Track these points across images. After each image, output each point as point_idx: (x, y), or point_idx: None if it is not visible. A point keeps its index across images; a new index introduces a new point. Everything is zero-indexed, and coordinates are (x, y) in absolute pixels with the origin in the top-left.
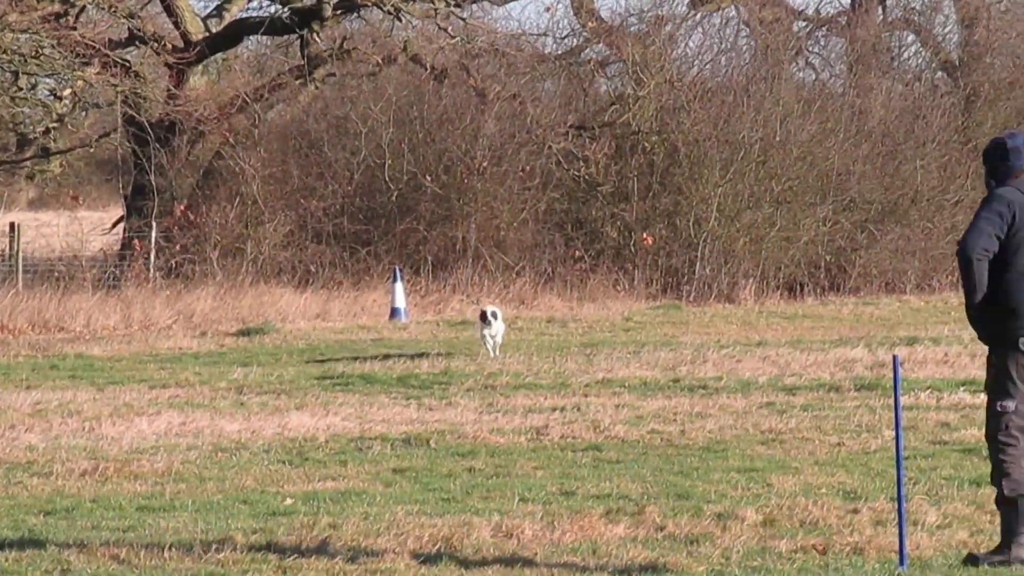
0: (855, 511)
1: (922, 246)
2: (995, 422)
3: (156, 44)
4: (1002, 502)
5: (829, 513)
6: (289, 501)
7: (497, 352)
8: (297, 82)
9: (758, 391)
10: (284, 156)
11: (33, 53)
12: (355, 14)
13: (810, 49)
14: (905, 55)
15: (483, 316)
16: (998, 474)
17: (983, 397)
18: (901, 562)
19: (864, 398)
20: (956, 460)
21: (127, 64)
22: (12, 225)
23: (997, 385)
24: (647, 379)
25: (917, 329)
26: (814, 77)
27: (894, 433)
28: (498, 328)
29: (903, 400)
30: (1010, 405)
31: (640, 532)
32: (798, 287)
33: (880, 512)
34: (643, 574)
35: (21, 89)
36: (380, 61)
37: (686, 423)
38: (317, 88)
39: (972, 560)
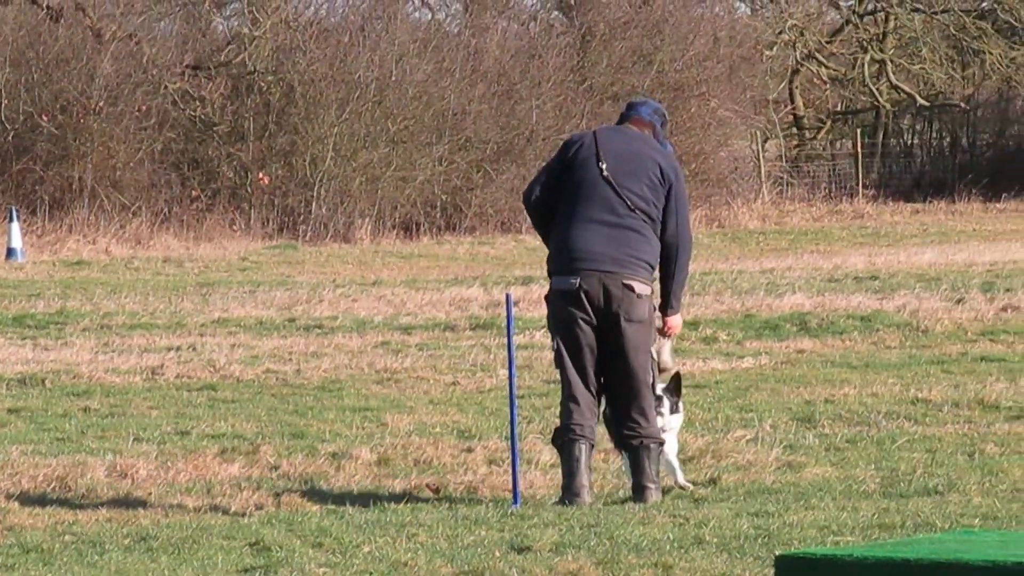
0: (469, 450)
1: None
2: (555, 360)
3: None
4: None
5: (443, 452)
6: None
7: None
8: None
9: (373, 330)
10: None
11: None
12: None
13: None
14: None
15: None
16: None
17: None
18: (515, 500)
19: (479, 337)
20: None
21: None
22: None
23: (549, 321)
24: (263, 319)
25: (532, 269)
26: (430, 16)
27: (508, 372)
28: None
29: (518, 339)
30: (554, 343)
31: (255, 471)
32: (414, 227)
33: (494, 451)
34: (257, 513)
35: None
36: None
37: (301, 362)
38: None
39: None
